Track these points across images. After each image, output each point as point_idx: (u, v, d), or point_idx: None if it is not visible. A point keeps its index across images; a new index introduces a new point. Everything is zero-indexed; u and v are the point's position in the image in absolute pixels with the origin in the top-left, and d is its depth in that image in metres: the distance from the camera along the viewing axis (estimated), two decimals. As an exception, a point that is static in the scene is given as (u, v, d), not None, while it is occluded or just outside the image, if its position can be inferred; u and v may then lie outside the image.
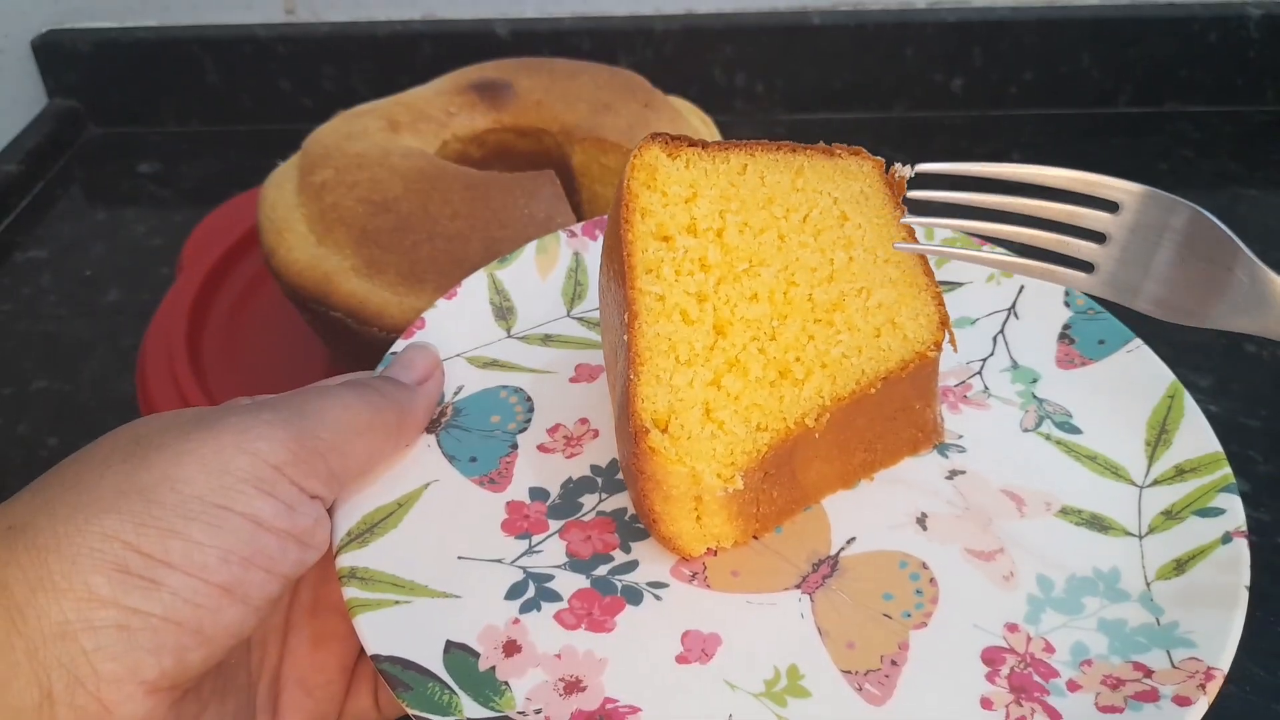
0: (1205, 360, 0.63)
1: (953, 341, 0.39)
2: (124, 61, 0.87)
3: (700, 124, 0.63)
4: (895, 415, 0.39)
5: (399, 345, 0.42)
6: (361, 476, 0.37)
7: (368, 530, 0.36)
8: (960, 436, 0.41)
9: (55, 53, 0.87)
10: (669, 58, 0.86)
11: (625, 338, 0.35)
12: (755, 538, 0.37)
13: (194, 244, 0.70)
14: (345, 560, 0.35)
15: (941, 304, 0.39)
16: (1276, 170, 0.82)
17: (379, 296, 0.52)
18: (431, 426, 0.40)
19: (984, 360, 0.44)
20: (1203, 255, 0.27)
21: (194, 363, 0.60)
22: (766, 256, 0.37)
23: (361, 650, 0.37)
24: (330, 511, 0.36)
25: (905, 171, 0.39)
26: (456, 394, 0.41)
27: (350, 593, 0.34)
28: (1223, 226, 0.28)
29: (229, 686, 0.35)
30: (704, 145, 0.37)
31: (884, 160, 0.39)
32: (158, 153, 0.88)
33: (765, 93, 0.88)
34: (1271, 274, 0.28)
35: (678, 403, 0.35)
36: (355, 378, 0.39)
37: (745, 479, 0.35)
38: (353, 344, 0.54)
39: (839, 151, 0.39)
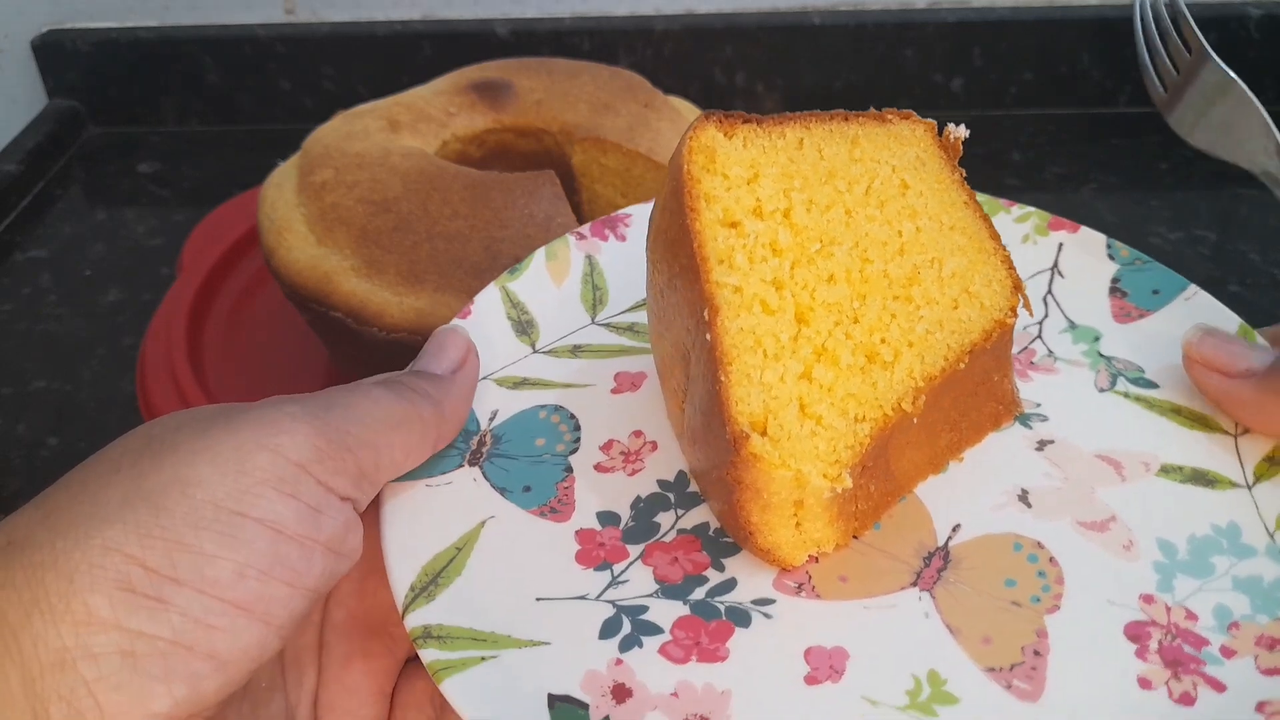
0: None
1: (1027, 306, 0.37)
2: (124, 61, 0.87)
3: (700, 124, 0.63)
4: (976, 390, 0.37)
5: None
6: (396, 475, 0.34)
7: (431, 582, 0.32)
8: (1038, 405, 0.39)
9: (55, 53, 0.87)
10: (669, 58, 0.86)
11: (708, 336, 0.32)
12: (855, 537, 0.35)
13: (194, 244, 0.70)
14: (415, 619, 0.31)
15: (1012, 267, 0.37)
16: (1276, 170, 0.82)
17: (379, 296, 0.52)
18: (473, 459, 0.37)
19: (1040, 323, 0.42)
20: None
21: (194, 363, 0.60)
22: (836, 234, 0.35)
23: (402, 672, 0.35)
24: (367, 514, 0.33)
25: (960, 132, 0.37)
26: (492, 420, 0.38)
27: (430, 655, 0.30)
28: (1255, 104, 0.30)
29: (261, 715, 0.32)
30: (758, 121, 0.35)
31: (935, 122, 0.38)
32: (158, 153, 0.88)
33: (765, 93, 0.88)
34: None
35: (772, 401, 0.32)
36: (386, 376, 0.36)
37: (852, 475, 0.32)
38: (353, 344, 0.54)
39: (890, 117, 0.37)
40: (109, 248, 0.77)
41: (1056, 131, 0.87)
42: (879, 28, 0.85)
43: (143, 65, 0.88)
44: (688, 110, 0.64)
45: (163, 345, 0.61)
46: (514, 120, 0.60)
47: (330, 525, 0.30)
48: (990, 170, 0.83)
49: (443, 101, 0.60)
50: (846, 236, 0.35)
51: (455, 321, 0.40)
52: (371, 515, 0.33)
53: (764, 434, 0.31)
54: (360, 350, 0.54)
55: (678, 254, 0.33)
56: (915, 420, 0.34)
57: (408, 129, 0.58)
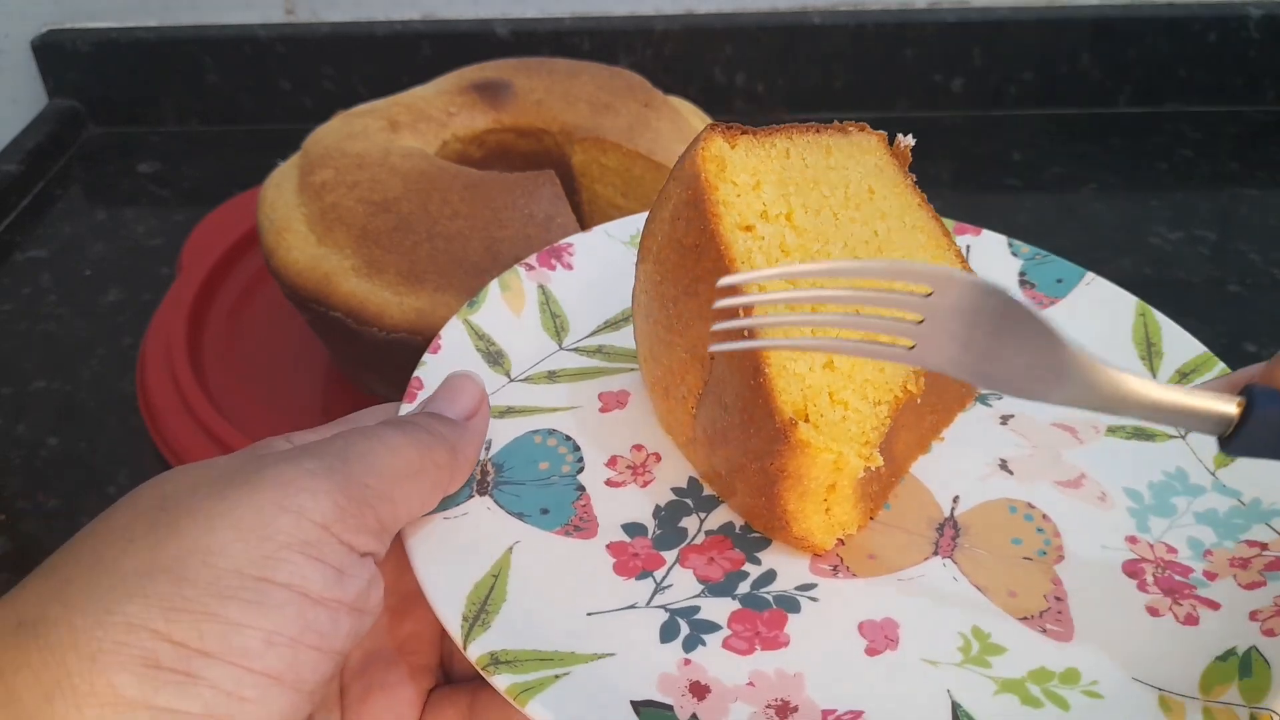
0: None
1: None
2: (124, 61, 0.87)
3: (700, 124, 0.63)
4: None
5: (422, 375, 0.40)
6: (409, 521, 0.33)
7: (481, 610, 0.33)
8: None
9: (55, 53, 0.87)
10: (669, 58, 0.86)
11: (745, 334, 0.33)
12: (871, 518, 0.38)
13: (194, 244, 0.70)
14: (478, 648, 0.32)
15: (965, 261, 0.41)
16: (1276, 170, 0.82)
17: (379, 296, 0.52)
18: (481, 489, 0.37)
19: None
20: (1014, 333, 0.29)
21: (194, 363, 0.60)
22: (829, 234, 0.37)
23: (426, 704, 0.35)
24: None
25: (908, 141, 0.40)
26: (488, 450, 0.39)
27: (505, 681, 0.31)
28: (1027, 306, 0.29)
29: None
30: (753, 132, 0.37)
31: (886, 134, 0.41)
32: (158, 153, 0.88)
33: (765, 93, 0.88)
34: (1078, 351, 0.29)
35: (808, 390, 0.34)
36: (390, 412, 0.36)
37: (880, 454, 0.35)
38: (353, 344, 0.54)
39: (850, 129, 0.40)
40: (109, 248, 0.77)
41: (1056, 131, 0.87)
42: (879, 28, 0.85)
43: (143, 65, 0.88)
44: (688, 110, 0.64)
45: (163, 345, 0.61)
46: (514, 120, 0.60)
47: (354, 585, 0.29)
48: (990, 170, 0.83)
49: (443, 101, 0.60)
50: (837, 236, 0.37)
51: (426, 358, 0.40)
52: (387, 557, 0.33)
53: (806, 421, 0.34)
54: (360, 350, 0.54)
55: (700, 259, 0.35)
56: (919, 400, 0.36)
57: (408, 129, 0.58)
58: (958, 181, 0.82)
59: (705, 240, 0.35)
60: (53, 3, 0.86)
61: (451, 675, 0.37)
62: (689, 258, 0.35)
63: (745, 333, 0.33)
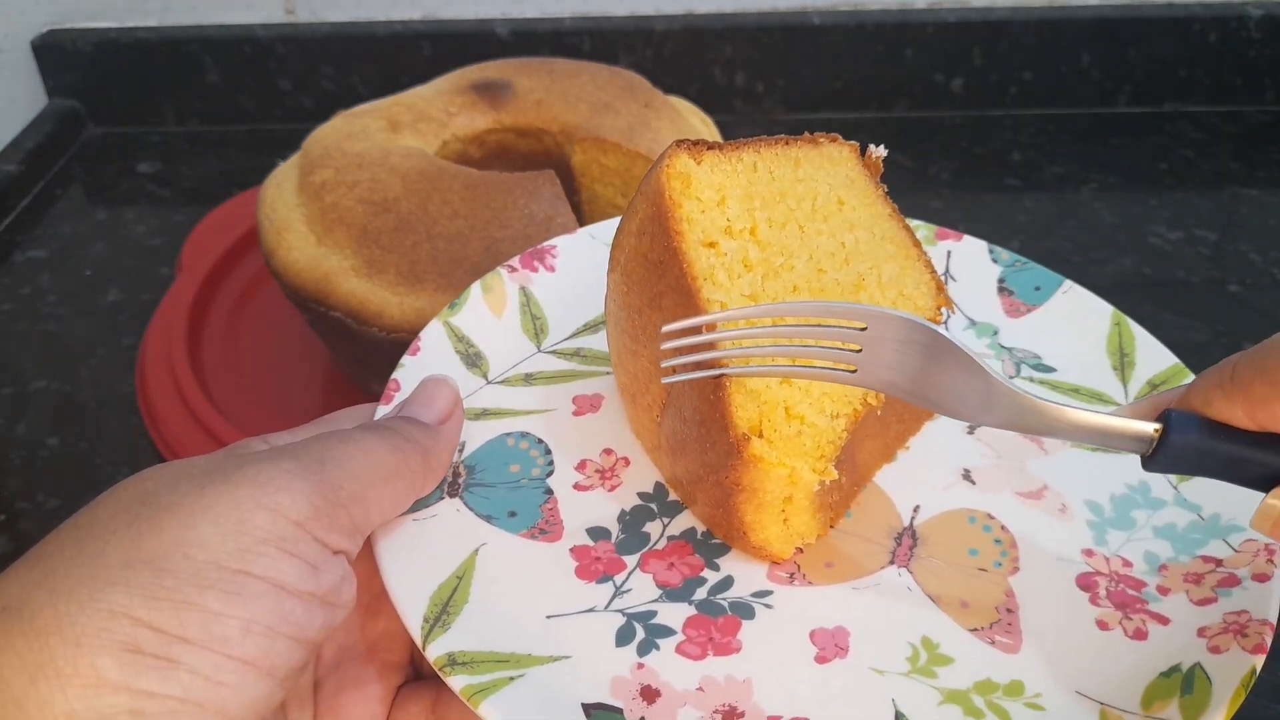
0: (1204, 362, 0.63)
1: (949, 304, 0.41)
2: (124, 61, 0.87)
3: (700, 124, 0.63)
4: None
5: (401, 380, 0.40)
6: (382, 523, 0.34)
7: (442, 611, 0.33)
8: None
9: (55, 53, 0.87)
10: (669, 58, 0.86)
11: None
12: (831, 527, 0.38)
13: (194, 244, 0.70)
14: (437, 648, 0.32)
15: (934, 271, 0.40)
16: (1276, 170, 0.82)
17: (379, 296, 0.52)
18: (451, 490, 0.38)
19: (945, 323, 0.45)
20: (943, 363, 0.32)
21: (194, 363, 0.60)
22: (794, 248, 0.37)
23: (395, 700, 0.36)
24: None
25: (879, 152, 0.40)
26: (461, 452, 0.39)
27: (460, 681, 0.31)
28: (952, 340, 0.31)
29: None
30: (720, 148, 0.37)
31: (858, 144, 0.40)
32: (158, 153, 0.88)
33: (765, 93, 0.88)
34: (1000, 381, 0.31)
35: (764, 405, 0.34)
36: (366, 413, 0.37)
37: (836, 467, 0.35)
38: (353, 344, 0.54)
39: (821, 140, 0.40)
40: (109, 248, 0.77)
41: (1056, 131, 0.87)
42: (879, 28, 0.85)
43: (143, 65, 0.88)
44: (688, 110, 0.64)
45: (163, 345, 0.61)
46: (514, 120, 0.60)
47: (328, 580, 0.30)
48: (990, 170, 0.83)
49: (443, 101, 0.60)
50: (802, 250, 0.38)
51: (404, 360, 0.41)
52: (358, 556, 0.34)
53: (760, 436, 0.34)
54: (360, 350, 0.54)
55: (663, 274, 0.35)
56: (879, 413, 0.37)
57: (408, 129, 0.58)
58: (958, 181, 0.82)
59: (668, 256, 0.35)
60: (52, 3, 0.86)
61: (422, 671, 0.38)
62: (653, 272, 0.36)
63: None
